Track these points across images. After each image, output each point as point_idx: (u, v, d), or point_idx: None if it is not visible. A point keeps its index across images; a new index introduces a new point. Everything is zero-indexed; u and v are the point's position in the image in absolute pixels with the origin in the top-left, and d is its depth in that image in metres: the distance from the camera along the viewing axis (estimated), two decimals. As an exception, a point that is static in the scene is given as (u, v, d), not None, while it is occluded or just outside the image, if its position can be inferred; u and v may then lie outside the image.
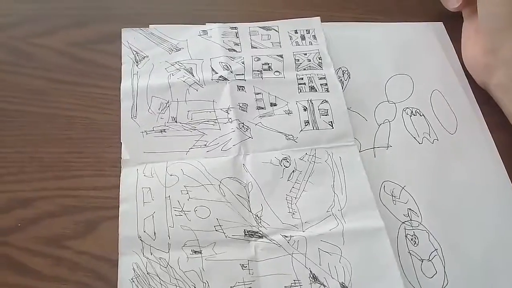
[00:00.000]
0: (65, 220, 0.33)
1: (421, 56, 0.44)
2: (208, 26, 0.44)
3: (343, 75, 0.42)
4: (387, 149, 0.39)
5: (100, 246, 0.32)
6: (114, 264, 0.31)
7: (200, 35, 0.43)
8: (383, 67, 0.43)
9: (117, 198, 0.34)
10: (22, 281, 0.31)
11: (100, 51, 0.42)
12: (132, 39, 0.42)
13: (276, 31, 0.44)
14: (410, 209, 0.36)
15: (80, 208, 0.34)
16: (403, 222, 0.35)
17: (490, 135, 0.40)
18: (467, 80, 0.43)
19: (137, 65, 0.40)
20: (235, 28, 0.44)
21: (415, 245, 0.34)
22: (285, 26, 0.44)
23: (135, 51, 0.41)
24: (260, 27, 0.44)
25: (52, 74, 0.40)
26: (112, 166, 0.36)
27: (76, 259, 0.32)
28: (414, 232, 0.35)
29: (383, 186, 0.36)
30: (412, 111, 0.41)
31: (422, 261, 0.34)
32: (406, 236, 0.34)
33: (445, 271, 0.33)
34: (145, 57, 0.41)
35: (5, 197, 0.34)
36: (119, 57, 0.41)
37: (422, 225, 0.35)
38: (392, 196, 0.36)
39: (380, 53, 0.44)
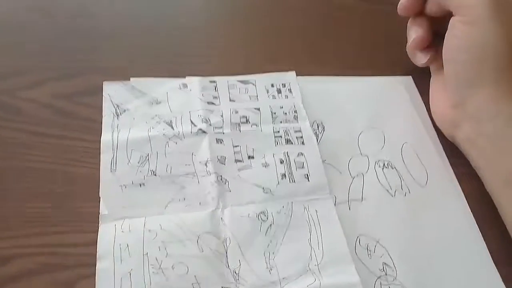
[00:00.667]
0: (44, 279, 0.33)
1: (392, 109, 0.46)
2: (188, 80, 0.45)
3: (318, 128, 0.44)
4: (361, 202, 0.40)
5: None
6: None
7: (180, 88, 0.44)
8: (355, 120, 0.45)
9: (95, 255, 0.34)
10: None
11: (84, 104, 0.42)
12: (113, 92, 0.43)
13: (254, 84, 0.45)
14: (385, 263, 0.36)
15: (59, 266, 0.33)
16: (378, 277, 0.36)
17: (459, 185, 0.42)
18: (435, 133, 0.45)
19: (117, 118, 0.41)
20: (214, 81, 0.45)
21: None
22: (262, 80, 0.46)
23: (116, 104, 0.42)
24: (238, 81, 0.45)
25: (37, 127, 0.40)
26: (91, 221, 0.35)
27: None
28: (389, 287, 0.35)
29: (358, 239, 0.37)
30: (384, 164, 0.42)
31: None
32: None
33: None
34: (125, 110, 0.42)
35: None
36: (101, 109, 0.42)
37: (397, 279, 0.36)
38: (368, 249, 0.37)
39: (352, 106, 0.46)
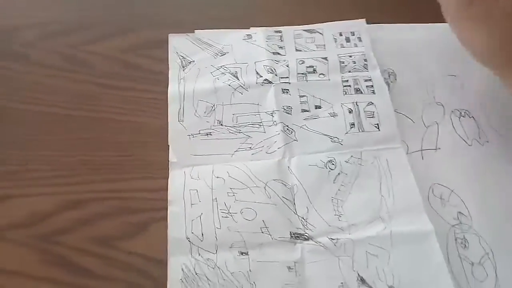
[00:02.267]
0: (116, 222, 0.35)
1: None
2: (252, 30, 0.45)
3: (389, 76, 0.42)
4: (435, 151, 0.38)
5: (150, 247, 0.34)
6: (164, 264, 0.33)
7: (245, 39, 0.44)
8: (429, 68, 0.43)
9: (165, 200, 0.35)
10: (74, 280, 0.32)
11: (148, 56, 0.43)
12: (178, 44, 0.44)
13: (321, 33, 0.44)
14: (460, 212, 0.35)
15: (130, 210, 0.35)
16: (452, 226, 0.35)
17: None
18: None
19: (183, 70, 0.42)
20: (280, 31, 0.45)
21: (465, 248, 0.34)
22: (329, 29, 0.45)
23: (181, 56, 0.43)
24: (304, 30, 0.45)
25: (102, 80, 0.42)
26: (160, 168, 0.37)
27: (127, 259, 0.33)
28: (464, 236, 0.34)
29: (431, 189, 0.36)
30: (461, 113, 0.40)
31: (473, 265, 0.33)
32: (456, 240, 0.34)
33: (496, 275, 0.33)
34: (191, 62, 0.43)
35: (58, 199, 0.36)
36: (167, 62, 0.43)
37: (473, 228, 0.35)
38: (441, 199, 0.36)
39: (426, 54, 0.44)
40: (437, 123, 0.40)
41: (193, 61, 0.43)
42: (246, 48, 0.44)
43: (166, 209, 0.35)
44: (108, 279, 0.32)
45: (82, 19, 0.46)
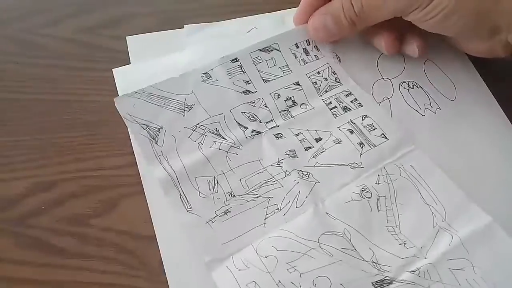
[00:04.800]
0: (87, 200, 0.36)
1: None
2: (208, 67, 0.40)
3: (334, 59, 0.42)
4: None
5: (123, 221, 0.35)
6: (138, 237, 0.34)
7: (204, 80, 0.39)
8: (370, 46, 0.43)
9: (134, 175, 0.36)
10: (51, 261, 0.34)
11: (105, 36, 0.45)
12: (131, 108, 0.37)
13: (278, 50, 0.41)
14: None
15: (101, 188, 0.37)
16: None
17: (489, 91, 0.42)
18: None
19: (156, 143, 0.36)
20: (236, 60, 0.40)
21: None
22: (284, 42, 0.42)
23: (143, 124, 0.37)
24: (260, 50, 0.41)
25: (62, 61, 0.43)
26: (126, 145, 0.38)
27: (101, 236, 0.35)
28: None
29: None
30: (409, 85, 0.42)
31: None
32: None
33: None
34: (159, 128, 0.37)
35: (29, 182, 0.37)
36: (124, 40, 0.44)
37: None
38: None
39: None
40: (388, 99, 0.41)
41: (161, 127, 0.37)
42: (212, 93, 0.39)
43: (137, 184, 0.36)
44: (84, 256, 0.34)
45: (35, 4, 0.47)
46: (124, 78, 0.41)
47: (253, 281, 0.31)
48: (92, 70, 0.43)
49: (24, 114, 0.40)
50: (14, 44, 0.45)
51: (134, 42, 0.44)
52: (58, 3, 0.47)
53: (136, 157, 0.37)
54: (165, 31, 0.45)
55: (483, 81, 0.42)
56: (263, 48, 0.41)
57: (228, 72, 0.40)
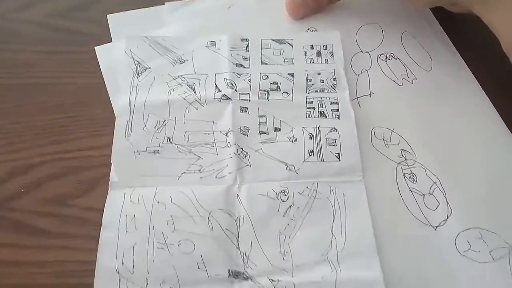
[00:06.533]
0: (68, 181, 0.37)
1: (385, 2, 0.46)
2: (217, 37, 0.43)
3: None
4: (370, 96, 0.40)
5: (105, 200, 0.35)
6: None
7: (208, 46, 0.42)
8: (350, 19, 0.44)
9: None
10: (34, 242, 0.35)
11: (78, 19, 0.46)
12: (135, 47, 0.42)
13: (291, 45, 0.42)
14: (403, 149, 0.38)
15: (80, 169, 0.37)
16: (398, 163, 0.37)
17: (464, 63, 0.42)
18: (433, 17, 0.45)
19: (137, 77, 0.40)
20: (246, 40, 0.42)
21: (414, 182, 0.36)
22: (301, 40, 0.43)
23: (137, 61, 0.41)
24: (273, 40, 0.43)
25: (35, 46, 0.44)
26: (104, 125, 0.39)
27: (83, 215, 0.35)
28: (411, 170, 0.37)
29: (373, 132, 0.39)
30: (386, 56, 0.43)
31: (424, 196, 0.36)
32: (404, 176, 0.37)
33: (447, 201, 0.36)
34: (146, 68, 0.41)
35: (8, 166, 0.38)
36: (97, 22, 0.45)
37: (417, 162, 0.37)
38: (383, 140, 0.38)
39: (345, 6, 0.45)
40: (366, 70, 0.42)
41: (149, 68, 0.41)
42: (208, 57, 0.42)
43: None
44: (67, 236, 0.35)
45: None
46: (106, 56, 0.42)
47: (134, 215, 0.34)
48: (67, 53, 0.43)
49: (1, 99, 0.41)
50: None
51: (114, 20, 0.45)
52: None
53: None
54: (146, 8, 0.46)
55: (458, 52, 0.43)
56: (277, 40, 0.43)
57: (233, 46, 0.42)
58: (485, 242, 0.34)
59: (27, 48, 0.44)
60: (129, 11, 0.45)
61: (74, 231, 0.35)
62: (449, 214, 0.35)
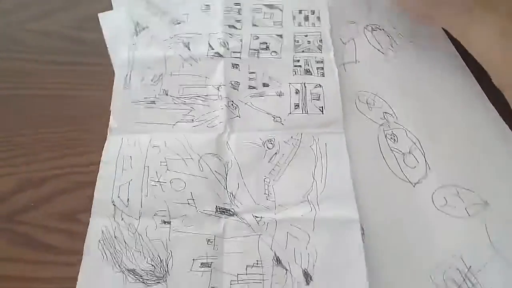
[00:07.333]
0: (76, 196, 0.36)
1: None
2: (211, 1, 0.45)
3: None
4: (355, 63, 0.43)
5: None
6: None
7: (203, 9, 0.45)
8: None
9: None
10: (40, 257, 0.34)
11: (92, 30, 0.45)
12: (135, 8, 0.44)
13: (280, 10, 0.45)
14: (385, 112, 0.40)
15: (89, 183, 0.36)
16: (380, 125, 0.40)
17: (446, 35, 0.44)
18: None
19: (136, 36, 0.43)
20: (239, 4, 0.45)
21: (395, 142, 0.39)
22: (290, 4, 0.45)
23: (136, 21, 0.44)
24: (264, 5, 0.45)
25: (47, 57, 0.43)
26: None
27: None
28: (392, 131, 0.39)
29: (357, 96, 0.41)
30: (372, 28, 0.45)
31: (404, 155, 0.38)
32: (385, 136, 0.39)
33: (425, 160, 0.38)
34: (145, 28, 0.43)
35: (17, 179, 0.37)
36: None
37: (398, 124, 0.40)
38: (367, 103, 0.41)
39: None
40: (353, 39, 0.44)
41: (147, 27, 0.43)
42: (203, 18, 0.44)
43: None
44: (76, 253, 0.33)
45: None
46: (108, 22, 0.45)
47: (130, 156, 0.37)
48: (79, 65, 0.43)
49: (6, 110, 0.40)
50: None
51: None
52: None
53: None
54: None
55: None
56: (268, 4, 0.45)
57: (226, 9, 0.45)
58: (461, 199, 0.37)
59: (38, 58, 0.43)
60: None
61: (81, 248, 0.34)
62: (427, 172, 0.38)
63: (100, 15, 0.45)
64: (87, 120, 0.40)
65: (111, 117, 0.39)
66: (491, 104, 0.41)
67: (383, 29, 0.45)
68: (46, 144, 0.39)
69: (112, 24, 0.44)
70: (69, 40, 0.44)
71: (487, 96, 0.41)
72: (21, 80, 0.42)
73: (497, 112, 0.40)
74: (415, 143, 0.39)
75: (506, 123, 0.40)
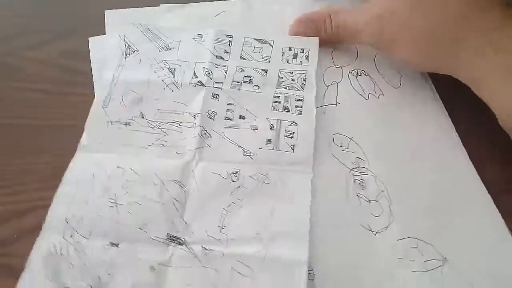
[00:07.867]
0: None
1: None
2: (205, 30, 0.46)
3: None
4: (335, 106, 0.43)
5: None
6: None
7: (195, 38, 0.46)
8: None
9: None
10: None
11: (88, 60, 0.46)
12: (128, 32, 0.46)
13: (271, 45, 0.45)
14: (358, 157, 0.40)
15: None
16: (351, 169, 0.39)
17: (433, 86, 0.44)
18: None
19: (125, 58, 0.44)
20: (231, 36, 0.46)
21: (363, 188, 0.38)
22: (281, 41, 0.45)
23: (127, 44, 0.45)
24: (255, 39, 0.46)
25: (41, 85, 0.45)
26: None
27: None
28: (361, 177, 0.39)
29: (332, 138, 0.41)
30: (357, 73, 0.45)
31: (370, 202, 0.38)
32: (354, 181, 0.39)
33: (390, 210, 0.38)
34: (135, 51, 0.45)
35: (1, 210, 0.37)
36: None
37: (369, 170, 0.39)
38: (341, 146, 0.40)
39: None
40: (336, 83, 0.44)
41: (137, 51, 0.45)
42: (193, 47, 0.45)
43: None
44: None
45: (17, 26, 0.49)
46: (98, 47, 0.46)
47: (93, 174, 0.38)
48: (71, 95, 0.44)
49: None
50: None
51: (111, 16, 0.48)
52: (40, 26, 0.49)
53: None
54: (143, 7, 0.49)
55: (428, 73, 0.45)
56: (259, 39, 0.46)
57: (217, 40, 0.46)
58: (420, 252, 0.36)
59: (32, 86, 0.44)
60: (126, 9, 0.48)
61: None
62: (390, 222, 0.37)
63: (91, 39, 0.46)
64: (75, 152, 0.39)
65: (84, 134, 0.40)
66: (470, 161, 0.40)
67: (369, 75, 0.45)
68: (34, 174, 0.39)
69: (101, 46, 0.46)
70: (65, 69, 0.46)
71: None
72: (12, 109, 0.43)
73: (475, 172, 0.39)
74: (383, 191, 0.38)
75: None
